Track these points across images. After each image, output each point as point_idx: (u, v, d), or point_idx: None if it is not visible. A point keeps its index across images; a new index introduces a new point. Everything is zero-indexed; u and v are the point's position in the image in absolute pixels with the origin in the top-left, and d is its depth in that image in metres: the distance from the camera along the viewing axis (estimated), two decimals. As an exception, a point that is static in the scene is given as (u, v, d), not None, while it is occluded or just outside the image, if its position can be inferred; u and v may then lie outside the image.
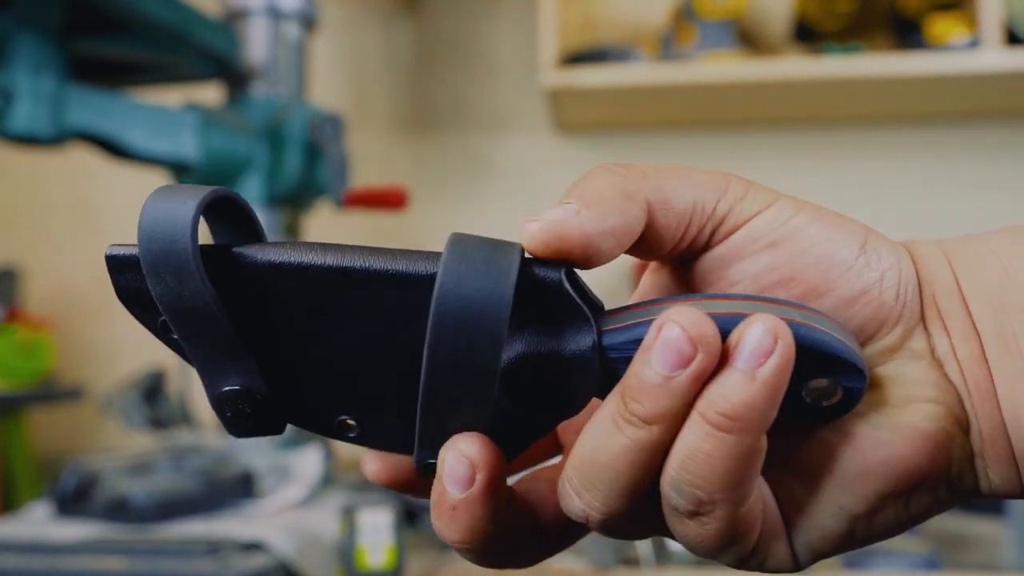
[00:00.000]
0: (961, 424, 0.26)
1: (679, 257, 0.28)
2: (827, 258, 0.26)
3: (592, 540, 0.94)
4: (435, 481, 0.26)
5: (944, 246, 0.28)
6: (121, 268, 0.26)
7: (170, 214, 0.25)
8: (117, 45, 1.03)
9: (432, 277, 0.25)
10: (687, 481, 0.24)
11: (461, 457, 0.25)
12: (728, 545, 0.26)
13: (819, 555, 0.27)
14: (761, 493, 0.27)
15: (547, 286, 0.26)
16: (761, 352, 0.23)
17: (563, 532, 0.29)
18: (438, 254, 0.25)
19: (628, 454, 0.24)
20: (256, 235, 0.27)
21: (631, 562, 0.91)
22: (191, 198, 0.25)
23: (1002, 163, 1.44)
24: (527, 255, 0.26)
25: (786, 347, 0.23)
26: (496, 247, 0.25)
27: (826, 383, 0.25)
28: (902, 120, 1.46)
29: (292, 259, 0.26)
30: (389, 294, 0.26)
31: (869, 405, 0.26)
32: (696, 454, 0.24)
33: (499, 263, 0.24)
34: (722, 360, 0.23)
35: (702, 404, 0.23)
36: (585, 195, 0.26)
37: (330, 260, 0.26)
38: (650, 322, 0.25)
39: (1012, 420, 0.26)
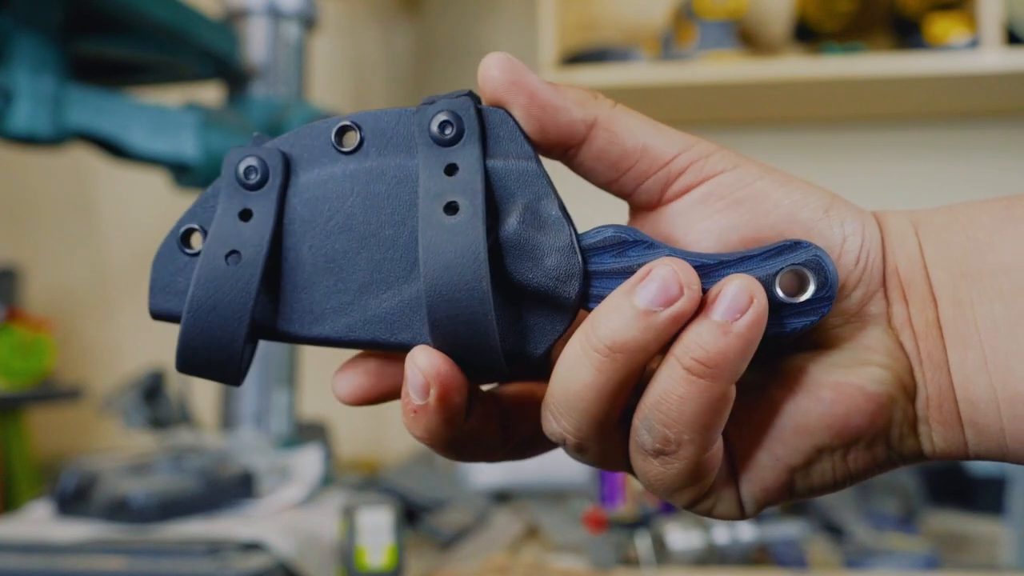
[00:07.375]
0: (907, 391, 0.27)
1: (638, 202, 0.30)
2: (789, 218, 0.28)
3: (592, 540, 0.94)
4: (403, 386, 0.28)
5: (913, 216, 0.29)
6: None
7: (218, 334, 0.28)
8: (117, 45, 1.03)
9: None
10: (659, 420, 0.26)
11: (417, 371, 0.27)
12: (685, 486, 0.27)
13: (762, 504, 0.29)
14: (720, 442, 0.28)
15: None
16: (737, 308, 0.25)
17: (529, 444, 0.31)
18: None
19: (595, 384, 0.26)
20: None
21: (631, 562, 0.91)
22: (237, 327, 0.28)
23: (1002, 163, 1.44)
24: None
25: (760, 306, 0.25)
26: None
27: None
28: (902, 120, 1.46)
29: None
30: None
31: (819, 364, 0.28)
32: (670, 395, 0.25)
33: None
34: (700, 312, 0.25)
35: (678, 349, 0.25)
36: (560, 82, 0.29)
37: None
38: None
39: (961, 385, 0.27)
